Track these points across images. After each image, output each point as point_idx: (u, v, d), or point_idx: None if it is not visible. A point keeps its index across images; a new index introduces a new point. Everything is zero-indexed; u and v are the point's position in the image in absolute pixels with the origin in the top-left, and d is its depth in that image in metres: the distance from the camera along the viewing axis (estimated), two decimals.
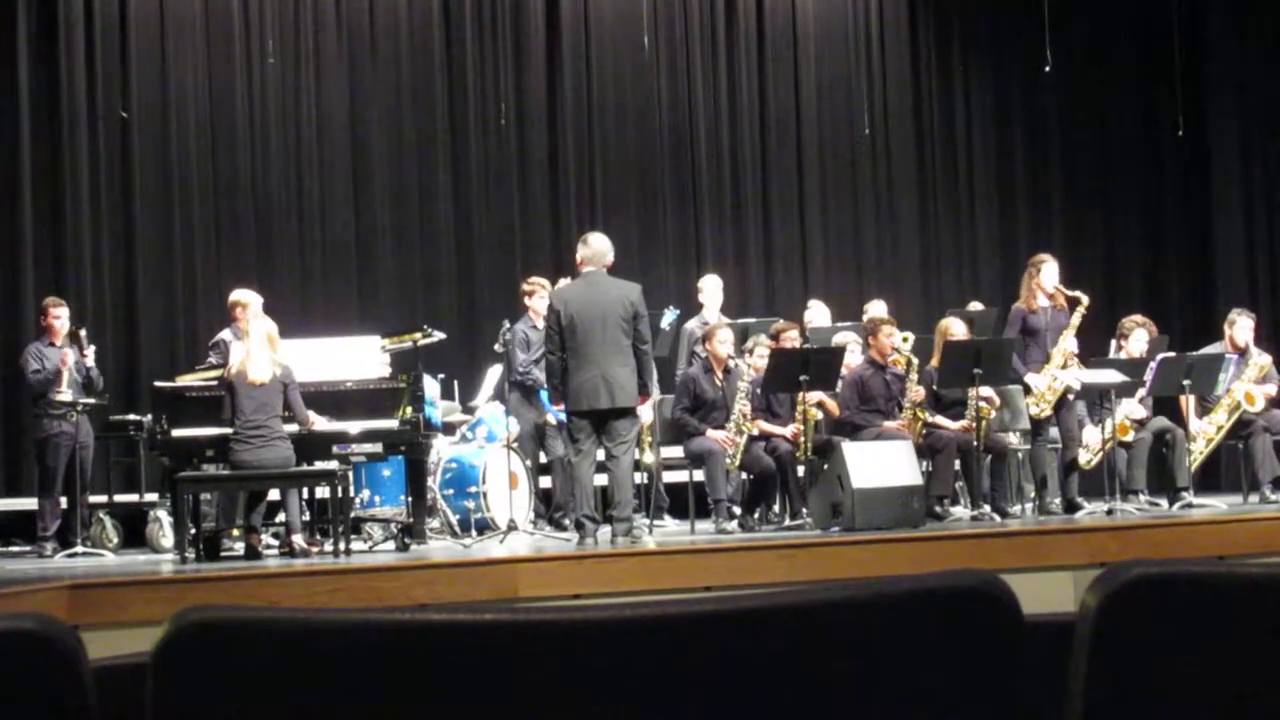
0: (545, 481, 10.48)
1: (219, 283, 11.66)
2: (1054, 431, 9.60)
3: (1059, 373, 9.26)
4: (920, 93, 14.75)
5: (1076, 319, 9.38)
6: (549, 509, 10.23)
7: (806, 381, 8.97)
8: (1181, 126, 14.27)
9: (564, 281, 9.83)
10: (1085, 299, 9.41)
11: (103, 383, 9.82)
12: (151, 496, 10.07)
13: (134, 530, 9.98)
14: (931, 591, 1.48)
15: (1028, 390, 9.44)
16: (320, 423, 8.43)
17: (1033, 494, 9.97)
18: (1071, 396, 9.34)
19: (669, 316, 10.44)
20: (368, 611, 1.45)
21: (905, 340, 9.62)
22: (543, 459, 10.32)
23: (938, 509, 9.15)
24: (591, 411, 8.07)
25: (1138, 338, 10.06)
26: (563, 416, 8.85)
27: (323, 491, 8.86)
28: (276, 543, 8.85)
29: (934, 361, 9.53)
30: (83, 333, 9.61)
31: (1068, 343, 9.34)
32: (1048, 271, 9.50)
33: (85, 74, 12.05)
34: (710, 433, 9.25)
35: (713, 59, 14.12)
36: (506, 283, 13.06)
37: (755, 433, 9.30)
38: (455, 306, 12.90)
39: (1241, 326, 10.32)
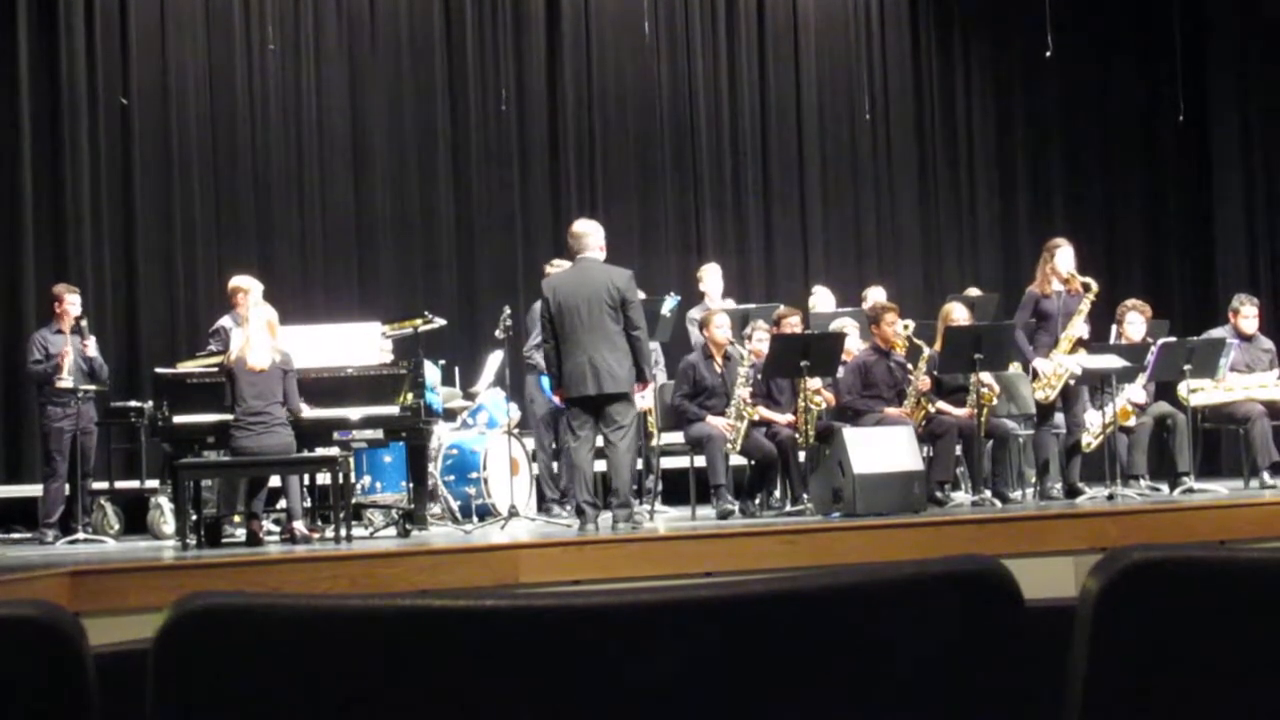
0: (556, 467, 10.44)
1: (220, 269, 11.67)
2: (1058, 417, 9.60)
3: (1063, 359, 9.26)
4: (921, 78, 14.75)
5: (1086, 305, 9.37)
6: (545, 496, 10.18)
7: (807, 367, 8.97)
8: (1182, 111, 14.26)
9: (552, 265, 9.85)
10: (1095, 285, 9.40)
11: (105, 372, 9.83)
12: (153, 483, 10.08)
13: (135, 517, 10.00)
14: (932, 577, 1.48)
15: (1035, 374, 9.45)
16: (307, 412, 8.42)
17: (1033, 479, 9.99)
18: (1073, 383, 9.34)
19: (669, 303, 10.44)
20: (369, 597, 1.45)
21: (906, 328, 9.63)
22: (554, 445, 10.30)
23: (938, 494, 9.17)
24: (583, 398, 8.07)
25: (1132, 321, 10.07)
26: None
27: (324, 478, 8.87)
28: (278, 529, 8.87)
29: (935, 346, 9.54)
30: (83, 323, 9.61)
31: (1076, 328, 9.33)
32: (1062, 256, 9.47)
33: (85, 61, 12.04)
34: (710, 419, 9.26)
35: (713, 45, 14.11)
36: (507, 269, 13.08)
37: (756, 419, 9.31)
38: (456, 292, 12.90)
39: (1246, 314, 10.31)
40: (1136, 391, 9.84)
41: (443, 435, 10.00)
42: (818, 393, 9.37)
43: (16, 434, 11.47)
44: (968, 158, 14.83)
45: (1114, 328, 10.35)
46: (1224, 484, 10.13)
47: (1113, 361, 9.35)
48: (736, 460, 9.60)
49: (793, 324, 9.76)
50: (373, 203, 12.91)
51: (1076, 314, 9.37)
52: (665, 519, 9.47)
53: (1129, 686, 1.54)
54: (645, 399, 8.98)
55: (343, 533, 7.99)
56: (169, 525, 9.37)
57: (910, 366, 9.57)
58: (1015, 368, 10.30)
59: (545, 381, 9.69)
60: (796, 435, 9.24)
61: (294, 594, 1.44)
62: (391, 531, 8.97)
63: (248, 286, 9.69)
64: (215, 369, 8.72)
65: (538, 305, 9.72)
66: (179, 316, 12.11)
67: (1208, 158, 14.78)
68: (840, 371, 9.55)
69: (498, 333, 9.57)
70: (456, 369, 11.08)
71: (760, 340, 9.50)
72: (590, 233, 8.39)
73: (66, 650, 1.37)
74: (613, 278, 8.17)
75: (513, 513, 8.92)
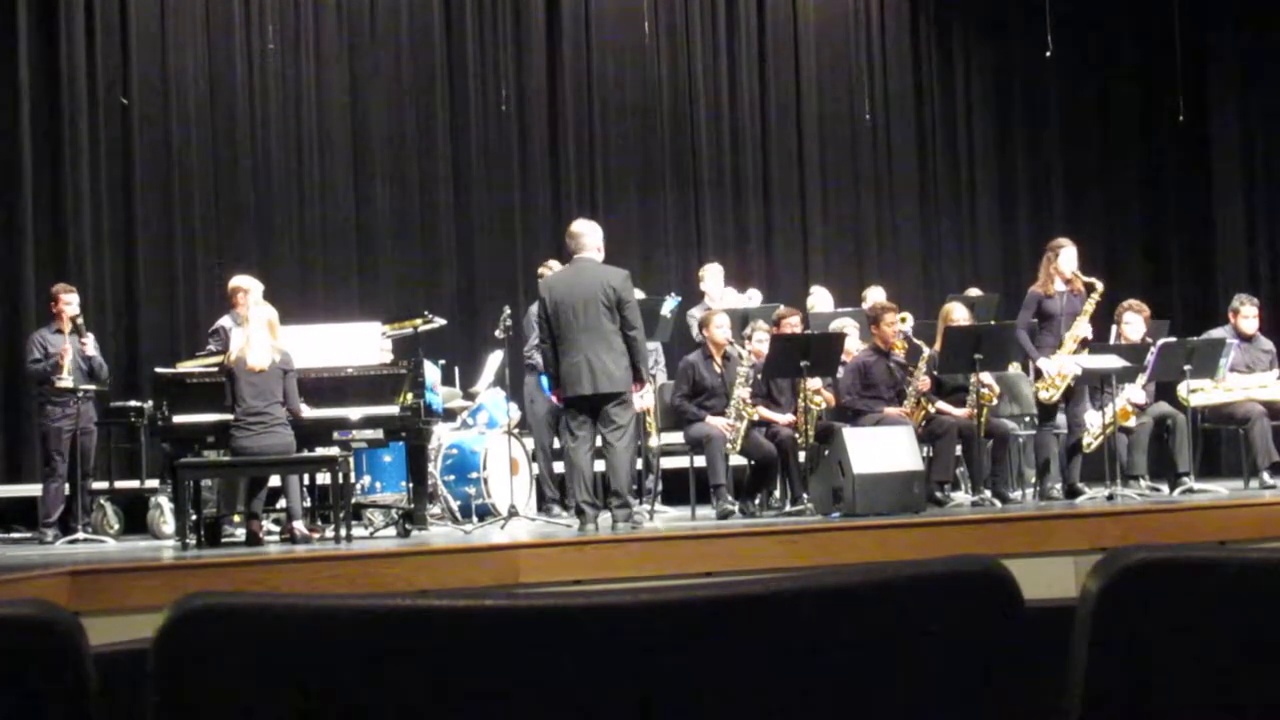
0: (558, 467, 10.44)
1: (219, 269, 11.67)
2: (1060, 417, 9.60)
3: (1065, 359, 9.26)
4: (921, 78, 14.75)
5: (1090, 305, 9.38)
6: (545, 496, 10.16)
7: (807, 367, 8.97)
8: (1182, 111, 14.26)
9: (547, 267, 9.86)
10: (1100, 286, 9.39)
11: (105, 371, 9.82)
12: (152, 483, 10.08)
13: (135, 516, 10.00)
14: (932, 576, 1.48)
15: (1038, 374, 9.45)
16: (307, 412, 8.42)
17: (1033, 479, 9.99)
18: (1074, 383, 9.34)
19: (670, 303, 10.44)
20: (369, 597, 1.45)
21: (903, 320, 9.64)
22: (556, 444, 10.29)
23: (938, 494, 9.17)
24: (580, 397, 8.06)
25: (1130, 321, 10.08)
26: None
27: (323, 478, 8.87)
28: (277, 529, 8.86)
29: (935, 346, 9.54)
30: (79, 320, 9.60)
31: (1080, 329, 9.33)
32: (1066, 256, 9.47)
33: (85, 61, 12.05)
34: (710, 419, 9.25)
35: (713, 44, 14.11)
36: (507, 268, 13.09)
37: (756, 419, 9.31)
38: (456, 292, 12.91)
39: (1246, 314, 10.31)
40: (1136, 392, 9.84)
41: (443, 435, 10.00)
42: (818, 393, 9.37)
43: (16, 434, 11.47)
44: (967, 157, 14.83)
45: (1113, 328, 10.35)
46: (1224, 484, 10.13)
47: (1112, 361, 9.35)
48: (736, 460, 9.60)
49: (793, 324, 9.76)
50: (373, 202, 12.91)
51: (1081, 314, 9.37)
52: (665, 519, 9.47)
53: (1129, 686, 1.54)
54: (644, 399, 8.98)
55: (342, 533, 7.99)
56: (169, 525, 9.37)
57: (910, 366, 9.57)
58: (1015, 368, 10.31)
59: (545, 381, 9.69)
60: (796, 435, 9.24)
61: (293, 594, 1.43)
62: (391, 531, 8.96)
63: (248, 286, 9.69)
64: (215, 369, 8.71)
65: (534, 307, 9.75)
66: (179, 316, 12.11)
67: (1208, 158, 14.78)
68: (840, 371, 9.56)
69: (498, 333, 9.57)
70: (456, 369, 11.07)
71: (760, 340, 9.50)
72: (587, 233, 8.37)
73: (65, 650, 1.37)
74: (608, 278, 8.15)
75: (512, 513, 8.91)
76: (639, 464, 9.46)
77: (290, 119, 12.76)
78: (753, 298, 11.46)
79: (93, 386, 9.63)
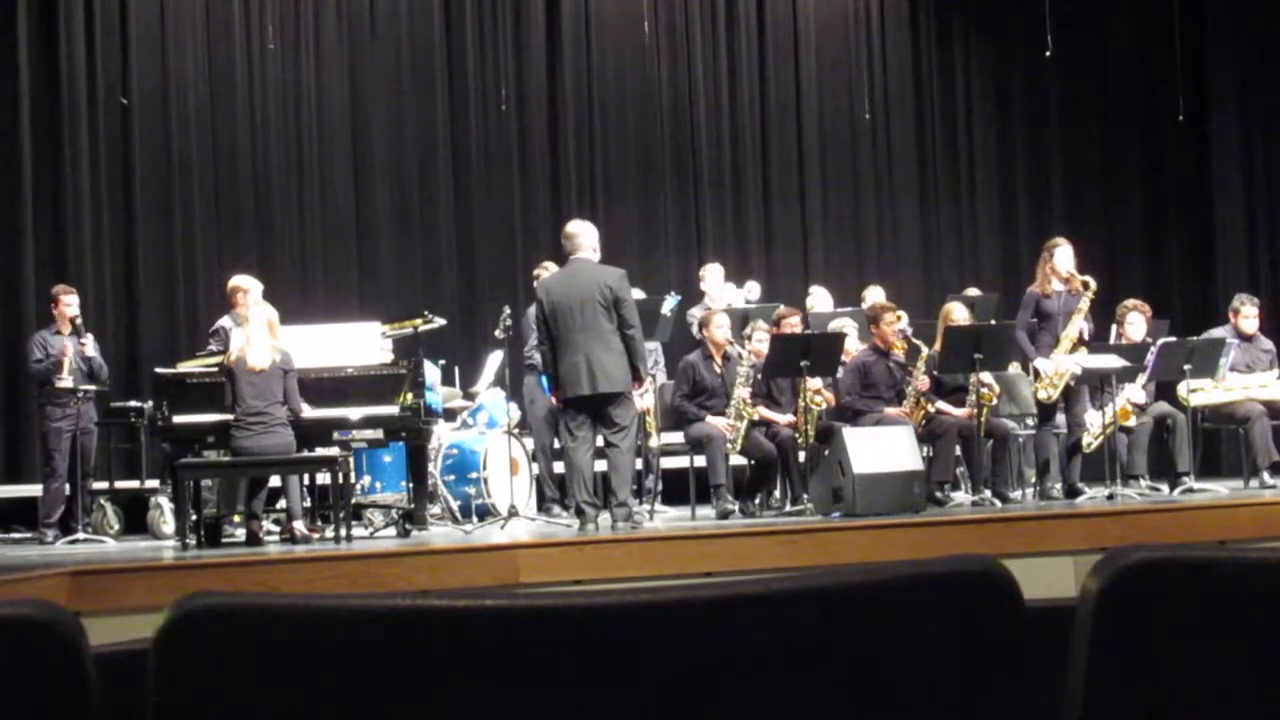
0: (558, 467, 10.43)
1: (219, 269, 11.67)
2: (1060, 417, 9.61)
3: (1063, 359, 9.27)
4: (920, 77, 14.75)
5: (1085, 304, 9.38)
6: (545, 496, 10.16)
7: (807, 367, 8.97)
8: (1182, 110, 14.26)
9: (543, 268, 9.86)
10: (1093, 284, 9.41)
11: (105, 371, 9.82)
12: (153, 483, 10.08)
13: (135, 517, 10.00)
14: (932, 576, 1.48)
15: (1037, 374, 9.46)
16: (307, 411, 8.41)
17: (1033, 479, 10.00)
18: (1073, 383, 9.34)
19: (670, 303, 10.44)
20: (369, 597, 1.45)
21: (899, 318, 9.64)
22: (556, 444, 10.29)
23: (938, 494, 9.17)
24: (579, 398, 8.06)
25: (1132, 321, 10.08)
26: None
27: (323, 478, 8.87)
28: (277, 529, 8.86)
29: (935, 346, 9.55)
30: (79, 321, 9.60)
31: (1074, 328, 9.33)
32: (1061, 255, 9.48)
33: (85, 61, 12.05)
34: (710, 419, 9.26)
35: (713, 44, 14.12)
36: (507, 268, 13.09)
37: (756, 419, 9.31)
38: (456, 292, 12.91)
39: (1246, 314, 10.31)
40: (1136, 391, 9.84)
41: (443, 435, 10.00)
42: (818, 393, 9.37)
43: (16, 434, 11.46)
44: (967, 157, 14.83)
45: (1114, 328, 10.35)
46: (1224, 484, 10.13)
47: (1113, 361, 9.35)
48: (736, 460, 9.60)
49: (793, 324, 9.75)
50: (372, 202, 12.91)
51: (1076, 313, 9.37)
52: (665, 519, 9.46)
53: (1129, 686, 1.54)
54: (644, 398, 8.98)
55: (343, 533, 7.99)
56: (169, 525, 9.37)
57: (910, 366, 9.58)
58: (1015, 368, 10.30)
59: (545, 381, 9.68)
60: (796, 435, 9.24)
61: (293, 594, 1.43)
62: (391, 531, 8.96)
63: (247, 286, 9.70)
64: (215, 369, 8.71)
65: (534, 308, 9.75)
66: (179, 316, 12.11)
67: (1208, 158, 14.77)
68: (840, 371, 9.56)
69: (498, 333, 9.57)
70: (456, 369, 11.07)
71: (760, 340, 9.50)
72: (582, 233, 8.37)
73: (65, 650, 1.37)
74: (605, 277, 8.15)
75: (513, 513, 8.91)
76: (639, 464, 9.45)
77: (290, 119, 12.76)
78: (751, 290, 11.45)
79: (93, 387, 9.63)
